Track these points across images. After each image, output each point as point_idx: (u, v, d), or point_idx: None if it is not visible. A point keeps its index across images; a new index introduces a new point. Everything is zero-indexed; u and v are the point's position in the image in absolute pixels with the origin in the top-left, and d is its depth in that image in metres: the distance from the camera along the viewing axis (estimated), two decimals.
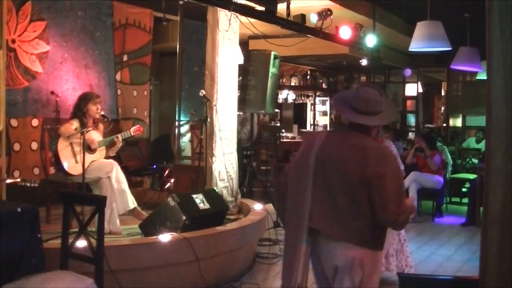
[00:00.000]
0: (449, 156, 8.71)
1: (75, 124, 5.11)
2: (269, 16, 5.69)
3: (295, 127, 10.39)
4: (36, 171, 5.82)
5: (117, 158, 5.49)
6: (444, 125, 12.56)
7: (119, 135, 5.29)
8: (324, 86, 11.08)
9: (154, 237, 4.32)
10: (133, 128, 5.44)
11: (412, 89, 12.72)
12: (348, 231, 2.50)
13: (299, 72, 10.84)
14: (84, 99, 5.15)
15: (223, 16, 5.83)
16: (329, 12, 6.19)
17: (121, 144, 5.32)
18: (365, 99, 2.61)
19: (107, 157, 5.32)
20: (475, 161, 9.31)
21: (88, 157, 4.98)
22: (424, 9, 6.55)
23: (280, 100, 10.01)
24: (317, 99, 10.58)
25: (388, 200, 2.45)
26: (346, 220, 2.50)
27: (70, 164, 5.04)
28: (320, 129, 10.52)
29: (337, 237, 2.53)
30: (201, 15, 6.22)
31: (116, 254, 3.88)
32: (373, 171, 2.44)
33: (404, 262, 4.61)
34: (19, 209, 3.11)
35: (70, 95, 6.09)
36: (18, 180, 3.93)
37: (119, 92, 6.99)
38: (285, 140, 9.73)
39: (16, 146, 5.65)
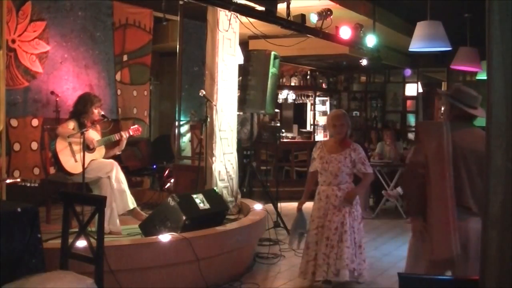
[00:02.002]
0: None
1: (71, 124, 5.11)
2: (269, 16, 5.69)
3: (295, 127, 10.38)
4: (36, 171, 5.82)
5: (117, 158, 5.50)
6: None
7: (122, 133, 5.31)
8: (324, 86, 11.07)
9: (154, 237, 4.31)
10: (131, 127, 5.44)
11: (412, 89, 12.69)
12: (481, 206, 2.93)
13: (299, 72, 10.82)
14: (90, 102, 5.15)
15: (223, 16, 5.83)
16: (329, 12, 6.19)
17: (125, 140, 5.32)
18: (474, 95, 3.16)
19: (108, 157, 5.32)
20: None
21: (87, 156, 4.99)
22: (424, 9, 6.54)
23: (280, 100, 9.99)
24: (317, 99, 10.56)
25: None
26: (481, 197, 2.91)
27: (70, 164, 5.05)
28: (320, 129, 10.50)
29: (475, 210, 2.95)
30: (201, 15, 6.22)
31: (116, 254, 3.88)
32: None
33: (358, 267, 4.37)
34: (19, 209, 3.11)
35: (70, 95, 6.08)
36: (18, 180, 3.93)
37: (119, 92, 6.99)
38: (285, 140, 9.72)
39: (16, 146, 5.65)
